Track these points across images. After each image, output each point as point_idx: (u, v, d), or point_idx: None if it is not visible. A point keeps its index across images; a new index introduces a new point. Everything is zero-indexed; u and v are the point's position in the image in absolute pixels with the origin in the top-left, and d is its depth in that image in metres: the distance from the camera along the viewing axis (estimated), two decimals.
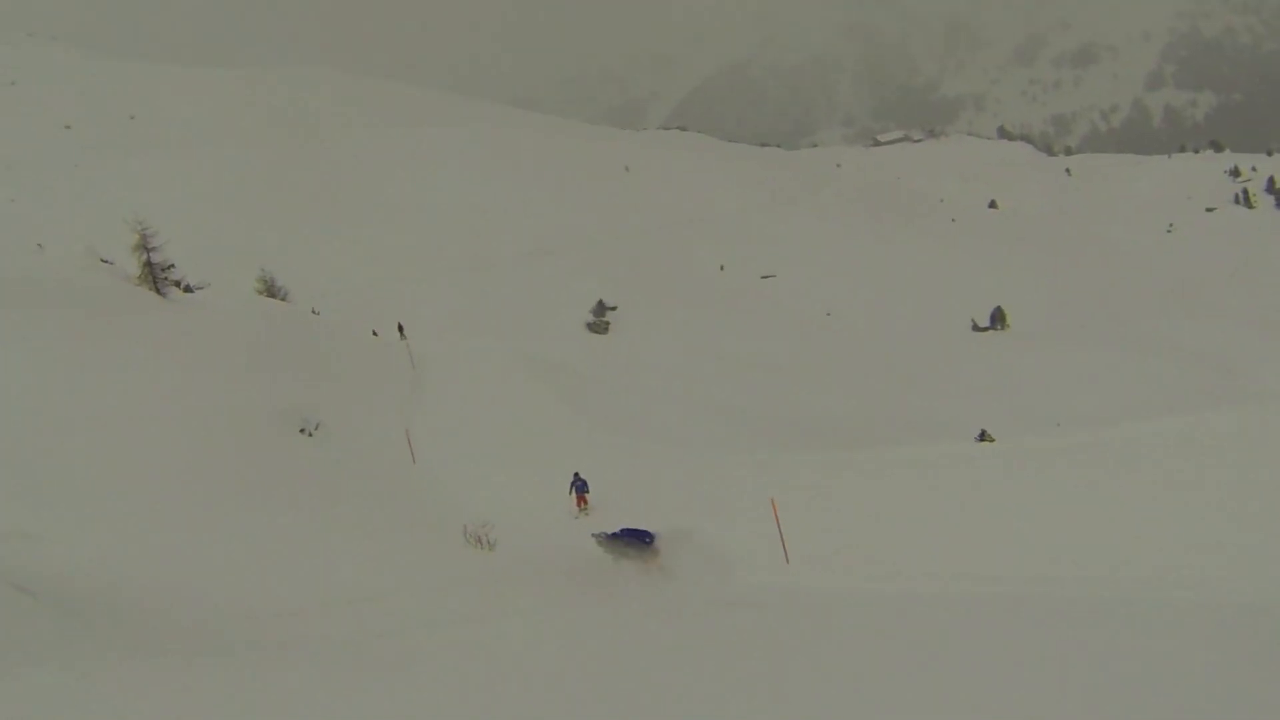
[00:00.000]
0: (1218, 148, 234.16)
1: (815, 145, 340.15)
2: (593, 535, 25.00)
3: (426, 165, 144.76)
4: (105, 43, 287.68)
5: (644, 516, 25.19)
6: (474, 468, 36.86)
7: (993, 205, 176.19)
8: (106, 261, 56.06)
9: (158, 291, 49.36)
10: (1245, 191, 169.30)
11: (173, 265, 51.17)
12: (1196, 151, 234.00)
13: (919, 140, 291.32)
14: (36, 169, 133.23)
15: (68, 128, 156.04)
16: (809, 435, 57.18)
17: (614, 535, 24.36)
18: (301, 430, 37.31)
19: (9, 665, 12.73)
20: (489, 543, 26.62)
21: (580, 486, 31.84)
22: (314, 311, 71.32)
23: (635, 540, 24.04)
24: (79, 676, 12.71)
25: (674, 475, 33.35)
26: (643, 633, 17.85)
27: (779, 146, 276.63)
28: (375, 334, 66.05)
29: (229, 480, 29.08)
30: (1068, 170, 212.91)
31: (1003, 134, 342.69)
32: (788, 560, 21.89)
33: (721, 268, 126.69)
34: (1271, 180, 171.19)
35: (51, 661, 13.15)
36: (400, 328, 65.69)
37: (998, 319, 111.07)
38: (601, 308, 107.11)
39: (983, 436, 53.08)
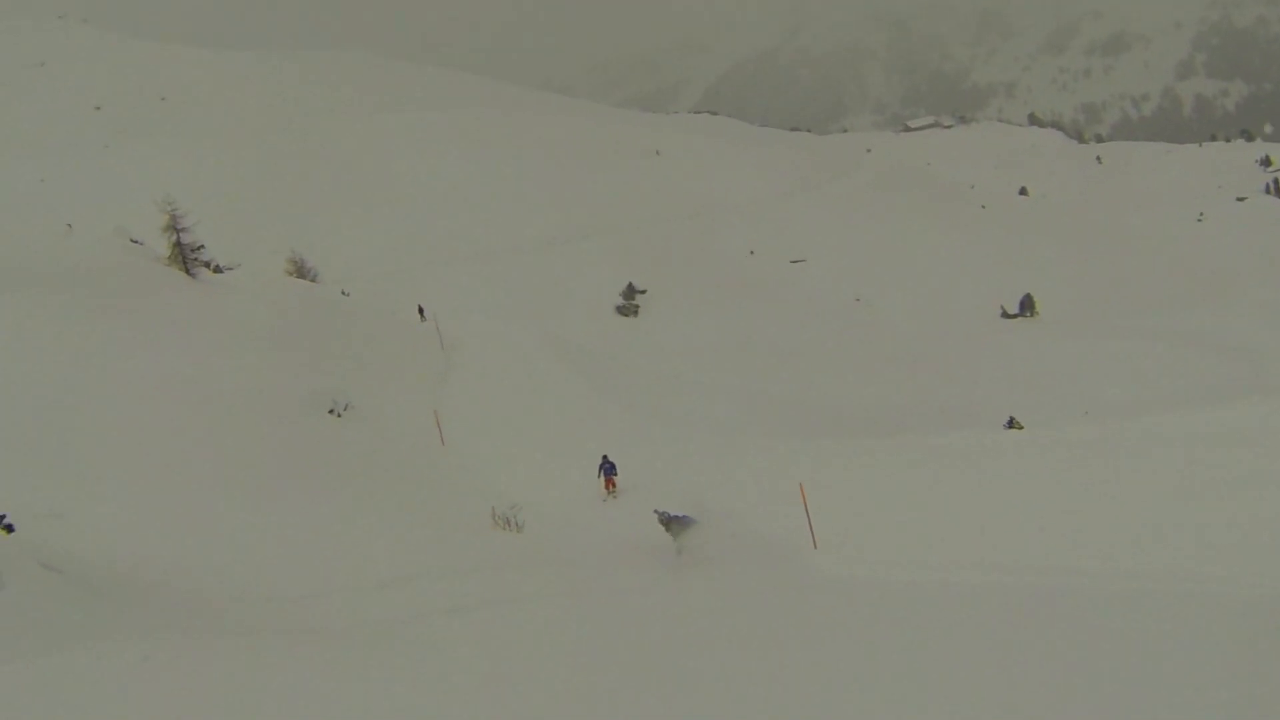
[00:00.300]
0: (1249, 137, 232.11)
1: (845, 131, 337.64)
2: (655, 512, 25.01)
3: (456, 149, 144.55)
4: (136, 25, 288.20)
5: (673, 500, 25.17)
6: (502, 449, 36.82)
7: (1023, 192, 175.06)
8: (136, 242, 56.19)
9: (187, 272, 49.50)
10: (1276, 181, 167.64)
11: (202, 246, 51.28)
12: (1227, 140, 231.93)
13: (949, 126, 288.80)
14: (67, 149, 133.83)
15: (98, 109, 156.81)
16: (837, 421, 56.99)
17: (675, 516, 24.42)
18: (330, 411, 37.32)
19: (39, 642, 12.78)
20: (517, 525, 26.64)
21: (609, 469, 31.82)
22: (344, 293, 71.39)
23: (687, 520, 24.19)
24: (103, 655, 12.76)
25: (702, 460, 33.36)
26: (667, 618, 17.83)
27: (809, 131, 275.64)
28: (394, 313, 65.98)
29: (257, 461, 29.13)
30: (1098, 158, 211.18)
31: (1033, 121, 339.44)
32: (815, 546, 21.84)
33: (752, 252, 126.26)
34: None
35: (78, 639, 13.20)
36: (420, 310, 65.49)
37: (1027, 306, 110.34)
38: (631, 290, 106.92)
39: (1011, 423, 52.85)
